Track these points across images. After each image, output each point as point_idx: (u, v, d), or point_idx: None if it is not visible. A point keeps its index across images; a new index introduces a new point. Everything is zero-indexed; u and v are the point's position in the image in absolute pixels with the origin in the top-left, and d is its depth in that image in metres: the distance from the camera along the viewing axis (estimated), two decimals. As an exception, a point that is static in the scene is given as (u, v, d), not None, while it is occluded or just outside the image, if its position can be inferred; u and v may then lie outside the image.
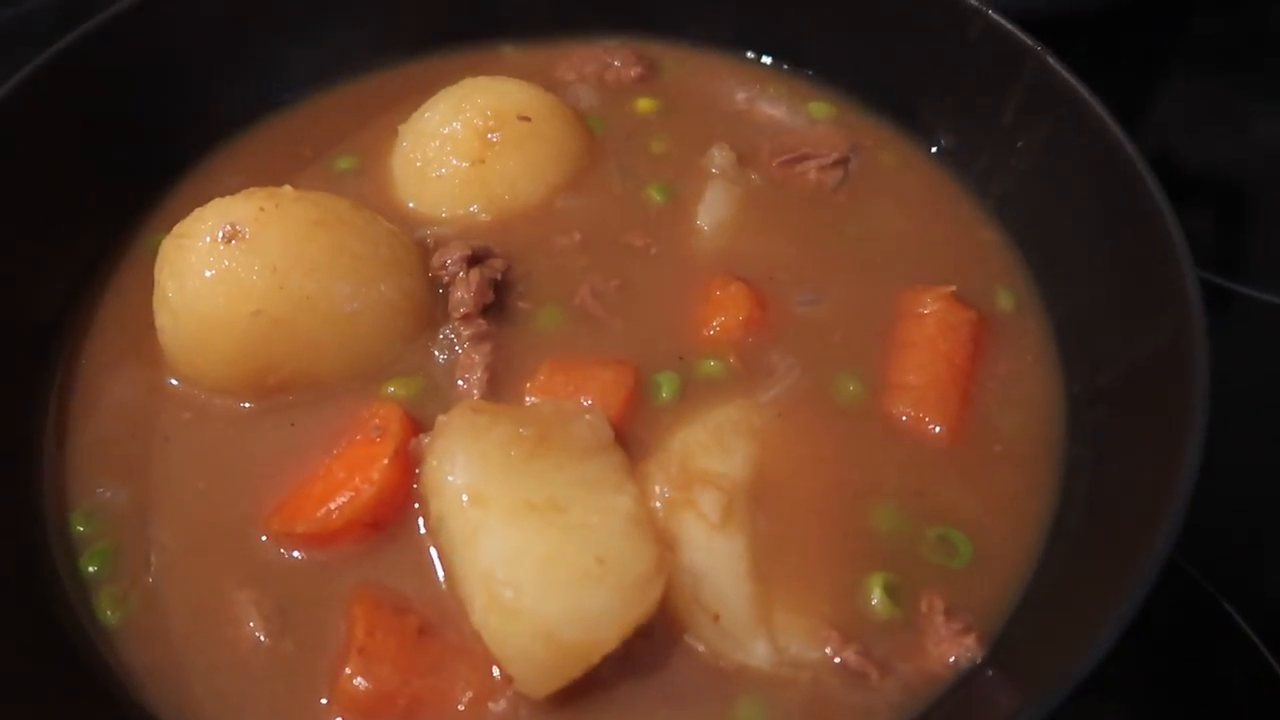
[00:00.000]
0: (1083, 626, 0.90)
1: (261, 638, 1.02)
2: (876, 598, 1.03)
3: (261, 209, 1.15)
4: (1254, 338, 1.64)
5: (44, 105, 1.30)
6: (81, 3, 1.36)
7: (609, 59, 1.56)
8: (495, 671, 0.98)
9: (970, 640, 0.99)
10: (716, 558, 1.02)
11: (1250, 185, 1.86)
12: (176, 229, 1.18)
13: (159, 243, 1.22)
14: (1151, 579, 0.89)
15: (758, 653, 0.99)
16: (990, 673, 0.97)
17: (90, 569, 1.08)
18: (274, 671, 1.01)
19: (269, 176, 1.23)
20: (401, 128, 1.42)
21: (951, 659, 0.99)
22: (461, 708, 0.97)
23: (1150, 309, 1.10)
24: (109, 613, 1.05)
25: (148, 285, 1.21)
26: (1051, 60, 1.28)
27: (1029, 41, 1.31)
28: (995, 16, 1.34)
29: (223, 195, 1.19)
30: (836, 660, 0.99)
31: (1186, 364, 1.01)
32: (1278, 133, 1.94)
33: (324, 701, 0.98)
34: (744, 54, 1.58)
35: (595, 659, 0.93)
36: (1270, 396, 1.55)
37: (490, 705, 0.97)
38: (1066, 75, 1.26)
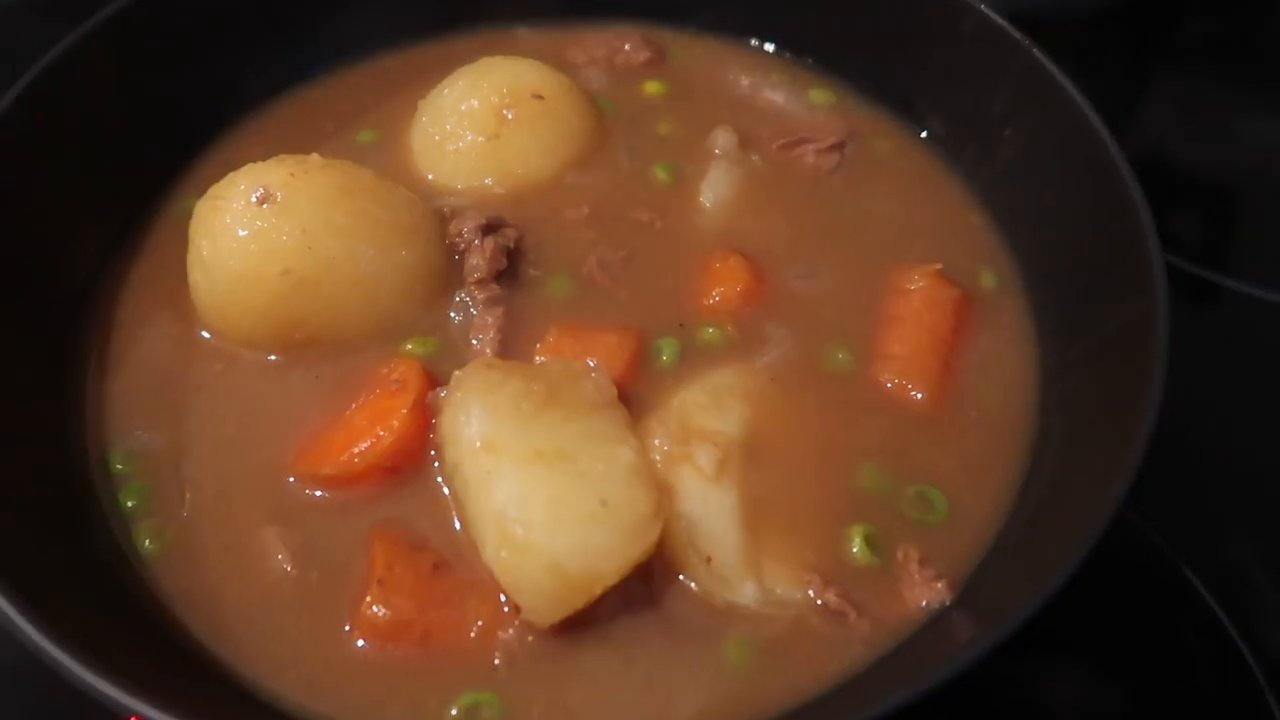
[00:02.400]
0: (1041, 574, 0.96)
1: (288, 569, 1.08)
2: (857, 547, 1.10)
3: (292, 174, 1.21)
4: (1240, 330, 1.68)
5: (81, 80, 1.35)
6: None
7: (619, 43, 1.61)
8: (504, 604, 1.05)
9: (941, 586, 1.06)
10: (710, 506, 1.09)
11: (1239, 184, 1.89)
12: (211, 191, 1.24)
13: (189, 207, 1.27)
14: (1101, 528, 0.96)
15: (746, 593, 1.06)
16: (956, 614, 1.05)
17: (129, 503, 1.14)
18: (300, 600, 1.07)
19: (293, 148, 1.28)
20: (421, 103, 1.47)
21: (924, 602, 1.06)
22: (473, 635, 1.04)
23: (1121, 289, 1.17)
24: (147, 543, 1.11)
25: (180, 247, 1.27)
26: (1039, 54, 1.34)
27: (1019, 37, 1.37)
28: (988, 13, 1.40)
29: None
30: (818, 601, 1.06)
31: (1150, 336, 1.08)
32: (1266, 132, 1.97)
33: (346, 628, 1.05)
34: (749, 42, 1.64)
35: (598, 591, 1.00)
36: (1251, 382, 1.60)
37: (499, 634, 1.04)
38: (1053, 70, 1.32)
